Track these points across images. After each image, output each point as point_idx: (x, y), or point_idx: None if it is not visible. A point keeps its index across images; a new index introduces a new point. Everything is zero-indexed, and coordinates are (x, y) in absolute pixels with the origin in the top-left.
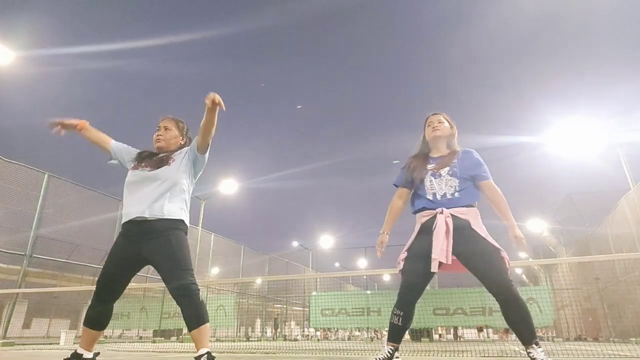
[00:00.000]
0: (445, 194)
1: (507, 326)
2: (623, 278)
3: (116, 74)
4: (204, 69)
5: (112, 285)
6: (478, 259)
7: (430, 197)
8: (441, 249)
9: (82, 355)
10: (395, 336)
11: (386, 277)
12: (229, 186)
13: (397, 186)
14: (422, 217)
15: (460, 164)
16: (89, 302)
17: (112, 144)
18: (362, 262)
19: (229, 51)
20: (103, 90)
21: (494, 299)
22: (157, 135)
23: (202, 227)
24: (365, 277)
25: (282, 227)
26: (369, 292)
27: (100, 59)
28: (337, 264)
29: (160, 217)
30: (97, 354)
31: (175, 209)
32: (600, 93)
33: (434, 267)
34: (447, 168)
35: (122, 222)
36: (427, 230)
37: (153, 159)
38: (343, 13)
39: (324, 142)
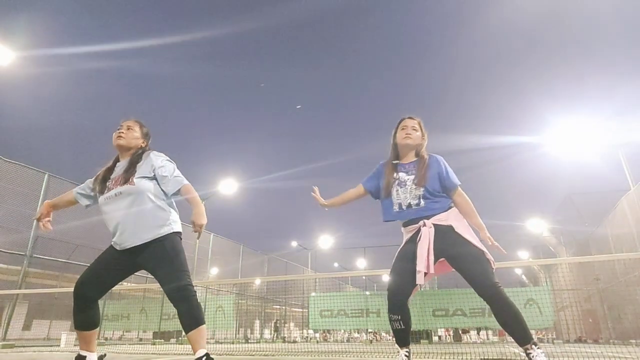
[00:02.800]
0: (410, 204)
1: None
2: (623, 278)
3: (116, 74)
4: (204, 69)
5: (88, 283)
6: (464, 262)
7: (396, 207)
8: (424, 260)
9: (85, 357)
10: (403, 340)
11: (385, 278)
12: (228, 186)
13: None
14: (408, 233)
15: (427, 172)
16: None
17: (74, 192)
18: (361, 263)
19: (229, 51)
20: (103, 90)
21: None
22: (119, 133)
23: None
24: (364, 277)
25: (281, 227)
26: (368, 293)
27: (101, 59)
28: (336, 264)
29: (149, 240)
30: (102, 356)
31: (161, 219)
32: (601, 93)
33: (420, 280)
34: (413, 177)
35: (115, 247)
36: (412, 241)
37: (117, 174)
38: (343, 13)
39: (323, 142)
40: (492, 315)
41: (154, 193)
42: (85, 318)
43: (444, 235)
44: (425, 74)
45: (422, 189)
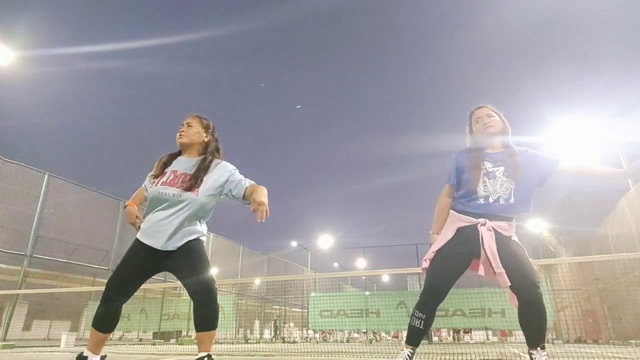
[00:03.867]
0: (499, 197)
1: (504, 328)
2: (623, 278)
3: (116, 74)
4: (204, 69)
5: (123, 286)
6: (515, 260)
7: (482, 200)
8: (497, 262)
9: (87, 357)
10: (415, 339)
11: (385, 278)
12: None
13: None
14: (460, 222)
15: (520, 164)
16: (89, 304)
17: (143, 187)
18: (360, 263)
19: (229, 51)
20: (103, 90)
21: (494, 300)
22: (180, 132)
23: None
24: (364, 277)
25: (281, 227)
26: (367, 293)
27: (101, 59)
28: (335, 264)
29: (181, 245)
30: (103, 357)
31: (195, 230)
32: (600, 93)
33: (505, 282)
34: (502, 168)
35: (143, 241)
36: (464, 236)
37: (179, 170)
38: (343, 13)
39: (323, 142)
40: (491, 316)
41: (206, 210)
42: (107, 319)
43: (501, 242)
44: (424, 74)
45: (514, 183)
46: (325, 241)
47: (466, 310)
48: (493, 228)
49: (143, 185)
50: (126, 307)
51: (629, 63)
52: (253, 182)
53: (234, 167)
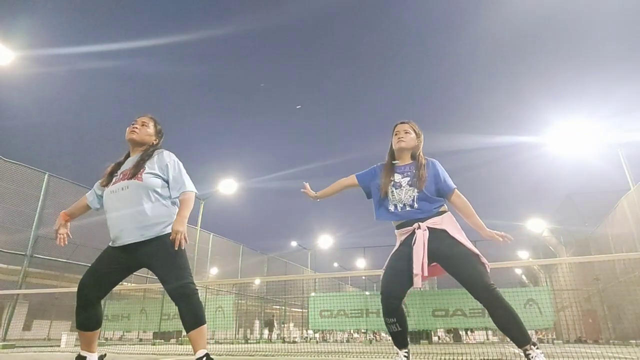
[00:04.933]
0: (405, 205)
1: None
2: (623, 278)
3: (116, 74)
4: (204, 69)
5: (93, 285)
6: (459, 265)
7: (391, 208)
8: (422, 264)
9: (85, 357)
10: (401, 342)
11: None
12: (228, 186)
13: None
14: (402, 235)
15: (423, 175)
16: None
17: (87, 198)
18: (360, 263)
19: (229, 51)
20: (103, 90)
21: None
22: (133, 127)
23: (200, 227)
24: (364, 277)
25: (281, 227)
26: (367, 293)
27: (100, 59)
28: (335, 264)
29: (150, 238)
30: (103, 357)
31: (163, 221)
32: (601, 93)
33: (417, 283)
34: (408, 179)
35: (111, 245)
36: (407, 244)
37: (126, 168)
38: (342, 14)
39: (323, 142)
40: None
41: (160, 191)
42: (88, 318)
43: (438, 238)
44: (426, 75)
45: (416, 191)
46: (325, 241)
47: (466, 310)
48: (428, 227)
49: (89, 193)
50: (126, 307)
51: (629, 63)
52: (189, 189)
53: (177, 160)
